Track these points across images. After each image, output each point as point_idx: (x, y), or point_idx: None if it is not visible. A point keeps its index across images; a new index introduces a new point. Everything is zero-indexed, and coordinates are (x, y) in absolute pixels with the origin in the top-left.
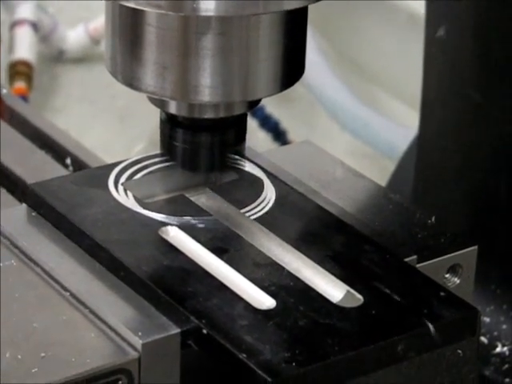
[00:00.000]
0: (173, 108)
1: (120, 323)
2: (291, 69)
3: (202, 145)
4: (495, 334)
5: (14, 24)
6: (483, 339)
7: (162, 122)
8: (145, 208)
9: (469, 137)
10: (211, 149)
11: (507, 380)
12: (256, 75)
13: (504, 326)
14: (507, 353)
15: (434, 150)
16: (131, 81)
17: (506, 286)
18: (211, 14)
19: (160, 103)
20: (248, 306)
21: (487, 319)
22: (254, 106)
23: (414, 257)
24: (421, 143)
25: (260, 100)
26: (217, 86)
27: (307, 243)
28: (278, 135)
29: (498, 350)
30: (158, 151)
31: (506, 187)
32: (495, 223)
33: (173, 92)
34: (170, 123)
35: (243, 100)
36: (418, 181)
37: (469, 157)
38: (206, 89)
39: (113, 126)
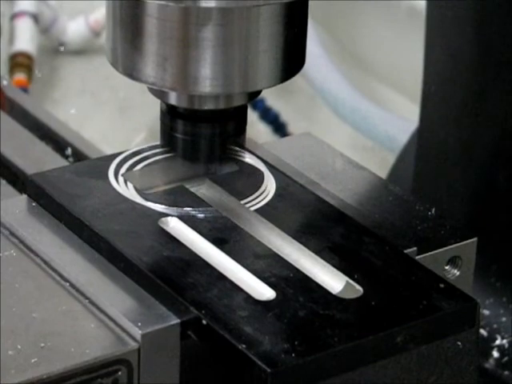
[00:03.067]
0: (173, 99)
1: (120, 314)
2: (291, 60)
3: (202, 136)
4: (495, 326)
5: (15, 16)
6: (483, 332)
7: (162, 113)
8: (145, 199)
9: (469, 129)
10: (211, 140)
11: (507, 372)
12: (256, 66)
13: (503, 319)
14: (507, 345)
15: (434, 142)
16: (132, 72)
17: (506, 279)
18: (212, 5)
19: (160, 94)
20: (248, 296)
21: (487, 312)
22: (254, 97)
23: (414, 248)
24: (421, 136)
25: (260, 91)
26: (217, 78)
27: (307, 234)
28: (278, 127)
29: (498, 342)
30: (158, 142)
31: (505, 180)
32: (495, 216)
33: (173, 83)
34: (170, 114)
35: (243, 91)
36: (418, 173)
37: (469, 149)
38: (207, 80)
39: (113, 117)
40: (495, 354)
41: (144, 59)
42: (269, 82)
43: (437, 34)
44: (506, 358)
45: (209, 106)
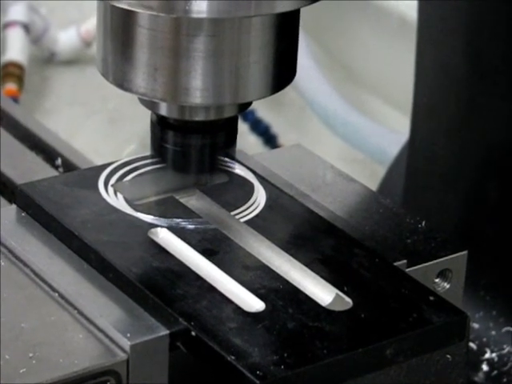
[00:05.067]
0: (163, 110)
1: (109, 324)
2: (282, 72)
3: (193, 147)
4: (484, 340)
5: (6, 25)
6: (472, 345)
7: (152, 123)
8: (134, 209)
9: (459, 141)
10: (202, 151)
11: None
12: (247, 78)
13: (493, 332)
14: (496, 359)
15: (424, 155)
16: (122, 82)
17: (496, 292)
18: (203, 15)
19: (151, 105)
20: (237, 308)
21: (476, 325)
22: (244, 108)
23: (404, 261)
24: (411, 148)
25: (251, 103)
26: (208, 88)
27: (297, 246)
28: (269, 139)
29: (487, 356)
30: (148, 153)
31: (495, 193)
32: (485, 229)
33: (164, 94)
34: (160, 125)
35: (234, 102)
36: (408, 186)
37: (459, 161)
38: (197, 91)
39: (103, 128)
40: (484, 367)
41: (135, 70)
42: (259, 94)
43: (428, 46)
44: (495, 372)
45: (199, 116)
